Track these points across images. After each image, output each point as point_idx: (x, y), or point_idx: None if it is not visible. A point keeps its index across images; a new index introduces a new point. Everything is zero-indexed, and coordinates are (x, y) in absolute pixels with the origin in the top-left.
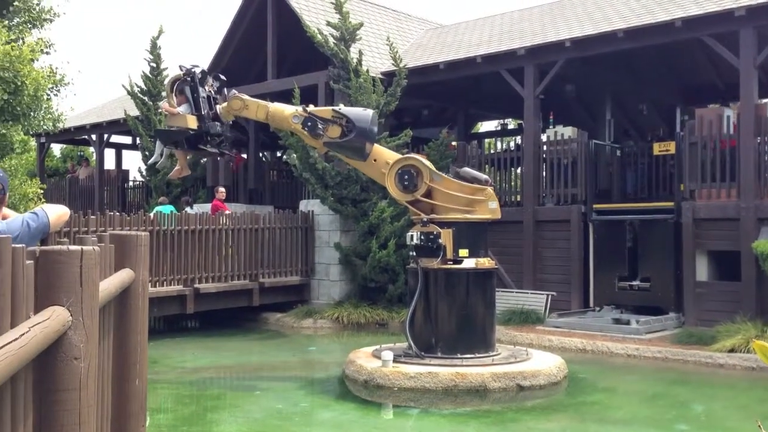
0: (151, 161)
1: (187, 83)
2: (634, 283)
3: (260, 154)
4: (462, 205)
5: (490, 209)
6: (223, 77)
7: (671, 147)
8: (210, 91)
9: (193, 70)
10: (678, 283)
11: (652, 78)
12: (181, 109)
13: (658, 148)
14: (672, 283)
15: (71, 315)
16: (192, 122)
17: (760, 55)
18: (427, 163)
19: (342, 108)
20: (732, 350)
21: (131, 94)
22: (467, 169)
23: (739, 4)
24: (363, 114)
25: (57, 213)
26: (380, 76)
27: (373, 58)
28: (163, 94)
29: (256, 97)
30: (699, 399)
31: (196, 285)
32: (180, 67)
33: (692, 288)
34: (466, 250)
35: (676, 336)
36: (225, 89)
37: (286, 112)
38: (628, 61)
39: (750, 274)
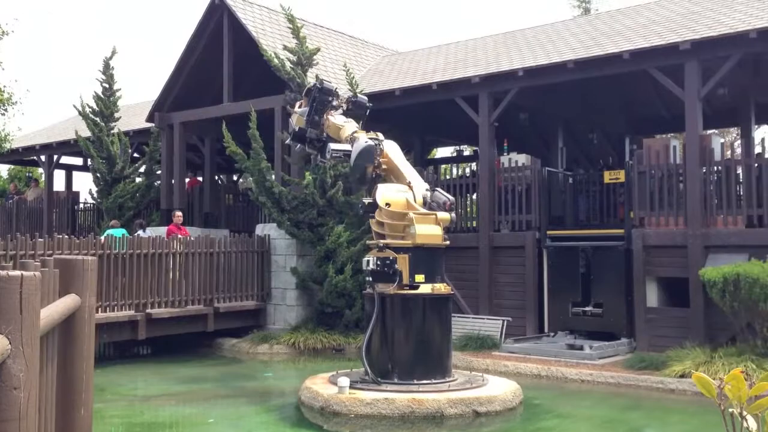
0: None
1: (313, 91)
2: (587, 308)
3: (216, 177)
4: (394, 231)
5: (410, 234)
6: (362, 100)
7: (621, 175)
8: (337, 104)
9: (324, 84)
10: (629, 309)
11: (603, 108)
12: (298, 109)
13: (608, 176)
14: (624, 309)
15: (10, 343)
16: (299, 122)
17: (704, 87)
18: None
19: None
20: (682, 375)
21: (83, 114)
22: (437, 194)
23: (684, 38)
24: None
25: None
26: None
27: (330, 82)
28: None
29: (211, 120)
30: (652, 424)
31: (149, 310)
32: (316, 77)
33: (643, 314)
34: (423, 276)
35: (628, 361)
36: (356, 109)
37: (343, 132)
38: (580, 91)
39: (698, 300)
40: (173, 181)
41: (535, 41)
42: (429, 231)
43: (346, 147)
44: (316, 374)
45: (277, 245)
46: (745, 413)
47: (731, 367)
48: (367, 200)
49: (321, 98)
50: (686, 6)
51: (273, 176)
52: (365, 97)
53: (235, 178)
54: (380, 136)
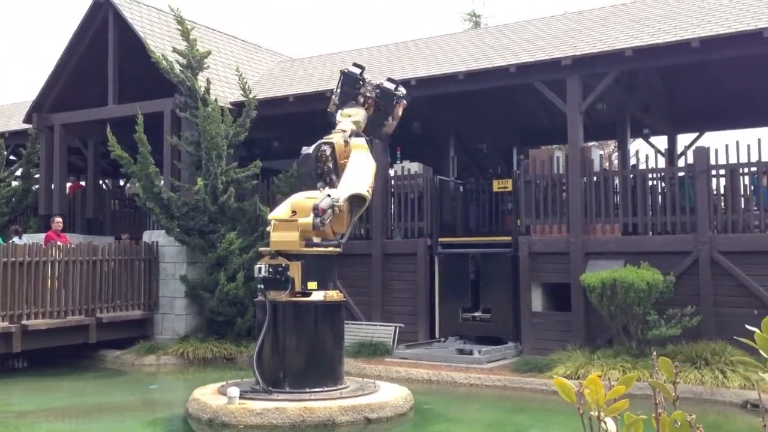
0: None
1: (342, 76)
2: (476, 314)
3: (100, 182)
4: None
5: (271, 241)
6: (388, 88)
7: (509, 184)
8: (364, 91)
9: (348, 70)
10: (516, 314)
11: (492, 119)
12: (337, 90)
13: (497, 185)
14: (510, 314)
15: None
16: (330, 106)
17: (584, 102)
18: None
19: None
20: (566, 377)
21: None
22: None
23: (566, 54)
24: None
25: None
26: (229, 106)
27: (222, 87)
28: None
29: (95, 122)
30: (536, 426)
31: (24, 321)
32: (354, 64)
33: (528, 318)
34: (315, 283)
35: (515, 364)
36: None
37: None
38: (470, 102)
39: (579, 304)
40: (53, 186)
41: (428, 52)
42: (282, 237)
43: (308, 150)
44: (205, 385)
45: (166, 252)
46: (603, 416)
47: (609, 368)
48: None
49: (347, 85)
50: (568, 24)
51: (162, 181)
52: (391, 85)
53: (121, 183)
54: (345, 135)
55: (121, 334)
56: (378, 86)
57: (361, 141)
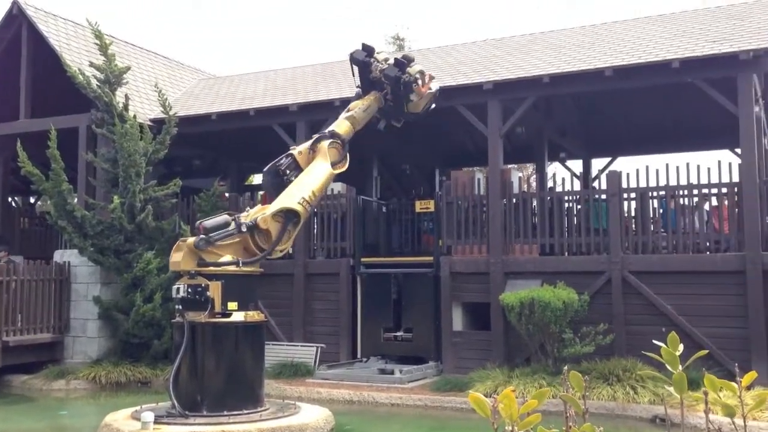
0: None
1: (350, 61)
2: (398, 333)
3: (9, 199)
4: None
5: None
6: (390, 72)
7: (431, 205)
8: (374, 77)
9: (352, 53)
10: (437, 333)
11: (415, 140)
12: (355, 79)
13: (419, 206)
14: (432, 334)
15: None
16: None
17: (504, 125)
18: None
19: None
20: (485, 395)
21: None
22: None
23: (487, 79)
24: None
25: None
26: (149, 122)
27: (142, 103)
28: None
29: (6, 138)
30: None
31: None
32: (363, 45)
33: (449, 337)
34: (235, 303)
35: (435, 384)
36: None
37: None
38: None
39: (498, 324)
40: None
41: (350, 73)
42: (174, 258)
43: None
44: (118, 410)
45: (79, 273)
46: (516, 430)
47: (527, 385)
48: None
49: (360, 70)
50: (489, 50)
51: (75, 199)
52: (395, 69)
53: (32, 200)
54: (310, 143)
55: (29, 357)
56: (382, 70)
57: (324, 145)
